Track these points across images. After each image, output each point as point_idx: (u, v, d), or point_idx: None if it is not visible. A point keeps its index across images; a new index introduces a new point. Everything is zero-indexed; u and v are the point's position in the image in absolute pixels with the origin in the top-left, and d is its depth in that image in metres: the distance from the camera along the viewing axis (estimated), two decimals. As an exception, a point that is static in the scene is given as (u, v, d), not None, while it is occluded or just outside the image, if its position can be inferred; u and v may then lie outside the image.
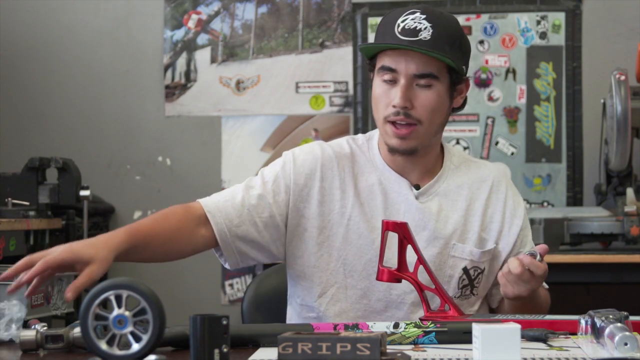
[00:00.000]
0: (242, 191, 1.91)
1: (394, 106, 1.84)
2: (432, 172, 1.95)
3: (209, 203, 1.89)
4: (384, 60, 1.86)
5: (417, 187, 1.92)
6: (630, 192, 3.47)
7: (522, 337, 1.37)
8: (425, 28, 1.82)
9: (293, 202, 1.91)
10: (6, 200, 3.49)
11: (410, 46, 1.81)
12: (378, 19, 4.12)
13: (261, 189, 1.91)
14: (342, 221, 1.90)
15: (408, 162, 1.92)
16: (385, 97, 1.86)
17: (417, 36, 1.82)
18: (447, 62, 1.83)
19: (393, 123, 1.86)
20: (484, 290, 1.95)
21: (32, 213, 3.47)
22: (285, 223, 1.92)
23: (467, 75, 1.93)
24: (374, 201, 1.91)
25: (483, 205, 1.94)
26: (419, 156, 1.91)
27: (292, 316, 2.00)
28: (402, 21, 1.84)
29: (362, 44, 1.93)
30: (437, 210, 1.91)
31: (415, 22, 1.83)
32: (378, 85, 1.88)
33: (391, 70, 1.85)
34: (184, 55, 4.29)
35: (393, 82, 1.85)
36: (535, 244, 3.38)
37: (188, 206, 1.88)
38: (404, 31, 1.83)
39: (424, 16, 1.83)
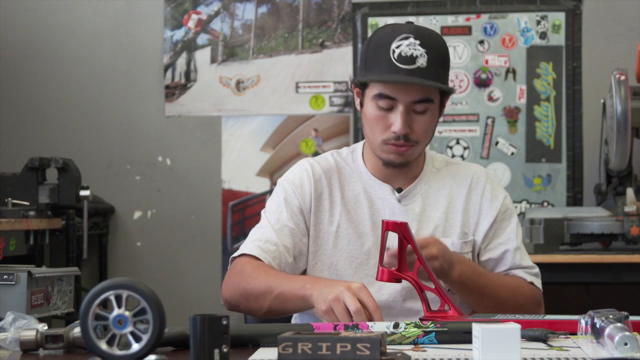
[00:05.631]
0: (272, 229, 1.97)
1: (394, 132, 1.90)
2: (414, 177, 2.03)
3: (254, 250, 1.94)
4: (382, 89, 1.90)
5: (399, 190, 2.01)
6: (630, 192, 3.46)
7: (522, 337, 1.37)
8: (421, 54, 1.86)
9: (307, 219, 2.00)
10: (6, 200, 3.48)
11: (416, 81, 1.85)
12: (378, 19, 4.12)
13: (279, 222, 1.98)
14: (331, 229, 1.99)
15: (395, 171, 2.00)
16: (383, 121, 1.92)
17: (415, 63, 1.86)
18: (445, 89, 1.91)
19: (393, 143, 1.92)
20: None
21: (32, 213, 3.47)
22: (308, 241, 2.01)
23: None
24: (361, 208, 2.00)
25: (463, 203, 2.01)
26: (407, 165, 1.99)
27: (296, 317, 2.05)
28: (397, 47, 1.87)
29: (364, 78, 1.95)
30: (420, 211, 2.00)
31: (410, 49, 1.87)
32: (373, 109, 1.92)
33: (390, 98, 1.89)
34: (184, 55, 4.29)
35: (390, 108, 1.90)
36: (536, 244, 3.41)
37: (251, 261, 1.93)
38: (401, 58, 1.86)
39: (418, 41, 1.87)
